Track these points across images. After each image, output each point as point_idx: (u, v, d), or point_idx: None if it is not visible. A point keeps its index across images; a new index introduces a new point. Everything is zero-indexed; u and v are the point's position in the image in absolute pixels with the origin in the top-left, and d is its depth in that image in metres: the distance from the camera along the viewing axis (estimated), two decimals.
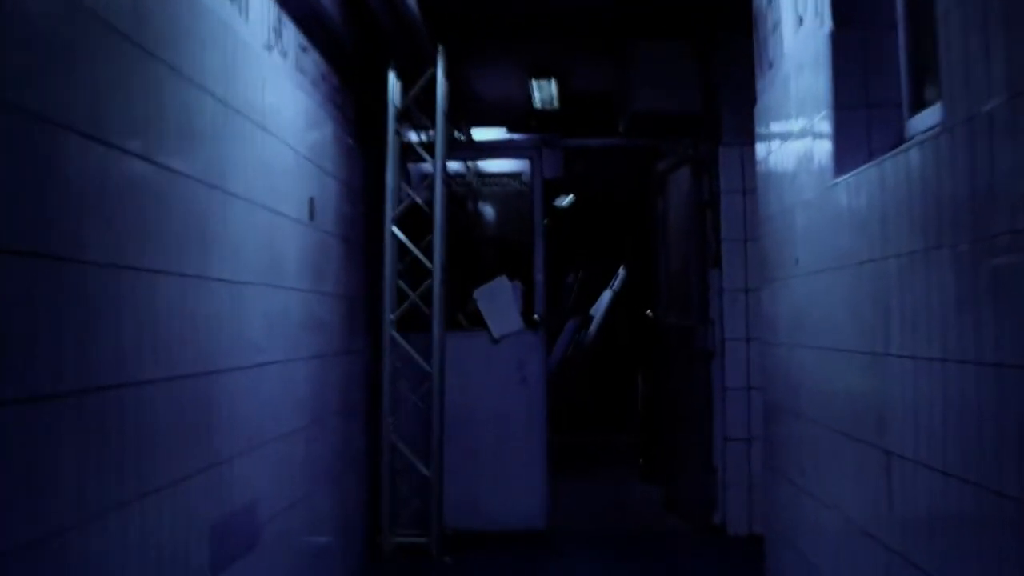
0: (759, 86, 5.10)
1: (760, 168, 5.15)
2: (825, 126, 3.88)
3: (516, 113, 8.58)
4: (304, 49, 4.60)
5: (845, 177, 3.63)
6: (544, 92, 8.18)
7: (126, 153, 2.62)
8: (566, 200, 12.99)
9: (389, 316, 5.82)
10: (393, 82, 5.89)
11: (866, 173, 3.40)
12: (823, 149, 3.91)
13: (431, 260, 5.83)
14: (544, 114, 8.60)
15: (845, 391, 3.61)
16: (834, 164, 3.78)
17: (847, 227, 3.61)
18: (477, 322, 6.68)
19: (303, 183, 4.58)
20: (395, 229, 5.86)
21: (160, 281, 2.84)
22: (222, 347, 3.36)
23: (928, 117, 3.27)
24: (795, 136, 4.37)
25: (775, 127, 4.78)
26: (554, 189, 11.88)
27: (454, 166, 6.91)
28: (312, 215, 4.68)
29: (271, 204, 4.00)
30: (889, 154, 3.18)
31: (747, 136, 5.74)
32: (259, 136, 3.84)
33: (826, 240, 3.88)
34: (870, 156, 3.59)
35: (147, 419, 2.73)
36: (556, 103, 8.37)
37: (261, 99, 3.84)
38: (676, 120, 6.78)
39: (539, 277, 6.67)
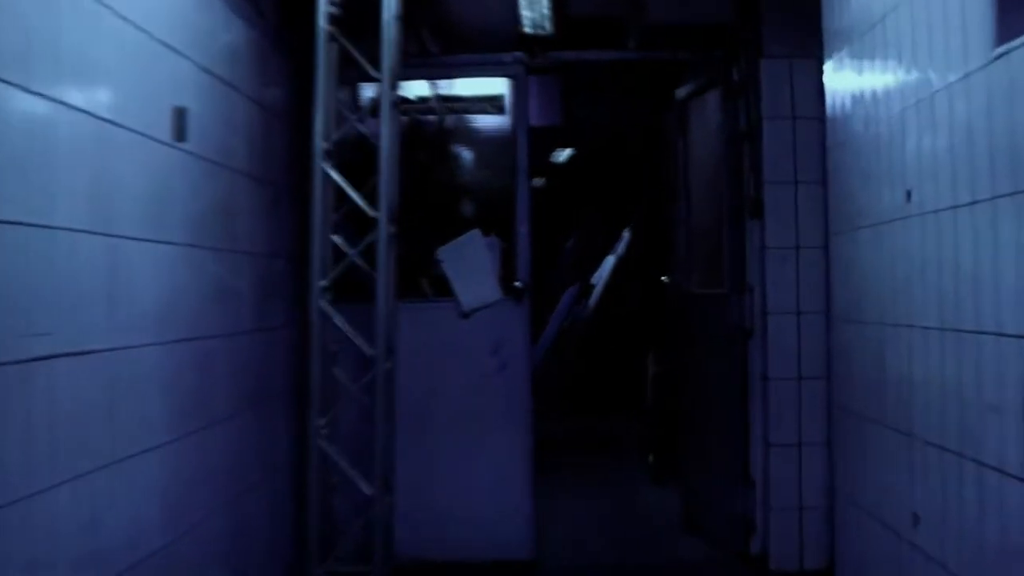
0: None
1: (830, 72, 3.64)
2: None
3: (502, 40, 7.20)
4: None
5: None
6: (535, 10, 6.76)
7: None
8: (564, 154, 11.56)
9: (319, 282, 4.31)
10: None
11: None
12: (967, 10, 2.43)
13: (377, 208, 4.31)
14: (536, 40, 7.20)
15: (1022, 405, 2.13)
16: (995, 26, 2.29)
17: None
18: (446, 290, 5.17)
19: (164, 85, 3.09)
20: (326, 166, 4.34)
21: None
22: None
23: None
24: (902, 6, 2.87)
25: (858, 5, 3.27)
26: (551, 140, 10.50)
27: (417, 90, 5.39)
28: (182, 134, 3.19)
29: (88, 107, 2.53)
30: None
31: (796, 44, 4.65)
32: None
33: (978, 152, 2.37)
34: None
35: None
36: (549, 26, 6.95)
37: None
38: (701, 32, 5.29)
39: (523, 230, 5.11)
